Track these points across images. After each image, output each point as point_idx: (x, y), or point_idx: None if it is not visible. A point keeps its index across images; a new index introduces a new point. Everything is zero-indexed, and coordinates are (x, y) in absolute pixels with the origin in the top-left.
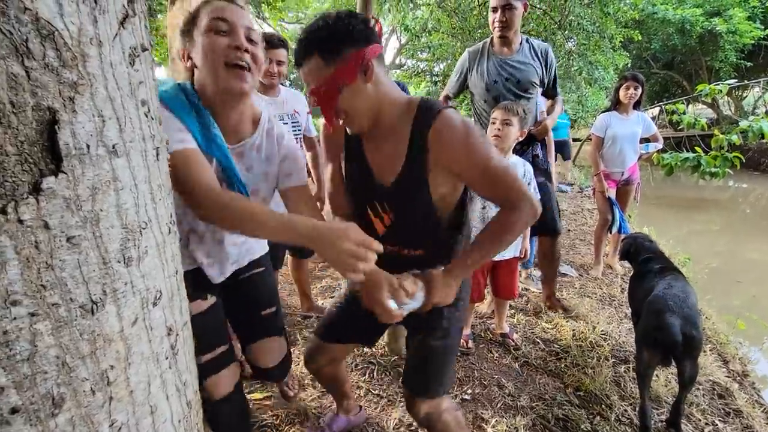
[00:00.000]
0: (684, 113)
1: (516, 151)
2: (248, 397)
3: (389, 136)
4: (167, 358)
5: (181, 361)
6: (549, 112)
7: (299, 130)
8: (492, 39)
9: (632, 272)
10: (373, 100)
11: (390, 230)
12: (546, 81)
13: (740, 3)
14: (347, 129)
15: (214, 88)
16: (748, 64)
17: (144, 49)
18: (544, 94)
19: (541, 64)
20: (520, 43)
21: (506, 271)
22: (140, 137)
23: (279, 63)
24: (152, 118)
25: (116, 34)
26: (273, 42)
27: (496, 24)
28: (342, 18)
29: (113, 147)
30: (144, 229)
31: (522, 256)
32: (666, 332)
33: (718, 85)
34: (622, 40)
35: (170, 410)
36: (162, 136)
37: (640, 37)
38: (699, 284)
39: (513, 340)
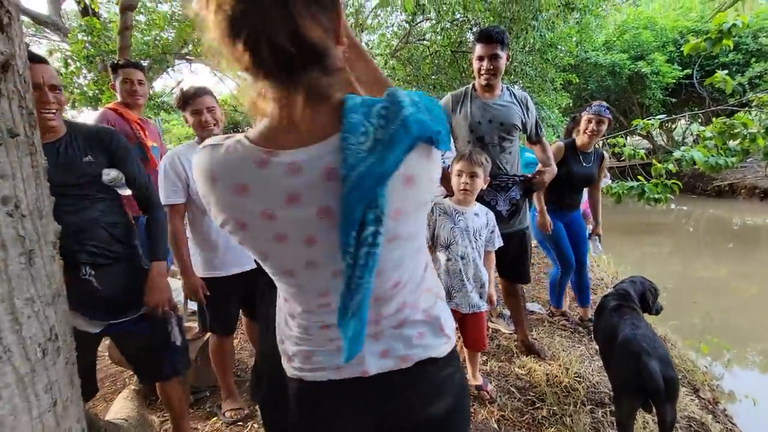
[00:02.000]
0: (624, 146)
1: (499, 189)
2: None
3: None
4: None
5: None
6: (542, 160)
7: None
8: (474, 84)
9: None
10: None
11: None
12: (528, 127)
13: (659, 48)
14: None
15: None
16: (673, 100)
17: (13, 135)
18: (528, 139)
19: (522, 109)
20: (501, 90)
21: (474, 324)
22: None
23: (209, 110)
24: (22, 216)
25: None
26: (198, 90)
27: (483, 72)
28: None
29: None
30: None
31: (489, 303)
32: (649, 379)
33: (649, 120)
34: (562, 82)
35: None
36: (42, 235)
37: (577, 80)
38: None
39: (488, 392)
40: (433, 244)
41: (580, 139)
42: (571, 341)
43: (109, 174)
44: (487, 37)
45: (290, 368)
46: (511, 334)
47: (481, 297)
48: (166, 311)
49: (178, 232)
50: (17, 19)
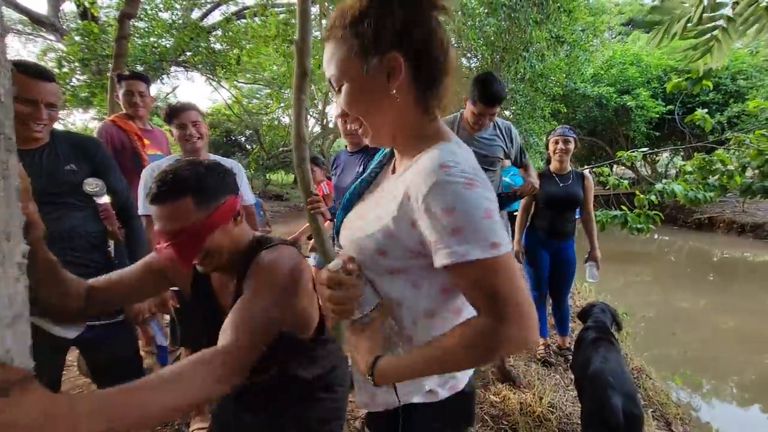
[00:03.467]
0: (609, 175)
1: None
2: None
3: (232, 271)
4: None
5: None
6: (525, 178)
7: None
8: (462, 114)
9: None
10: (235, 241)
11: None
12: (513, 154)
13: (644, 84)
14: (202, 268)
15: None
16: (657, 133)
17: None
18: (514, 164)
19: (505, 141)
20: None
21: None
22: None
23: (194, 124)
24: None
25: None
26: (184, 105)
27: (479, 124)
28: (216, 166)
29: None
30: None
31: None
32: (611, 413)
33: (633, 152)
34: (551, 111)
35: None
36: (7, 257)
37: (565, 109)
38: (637, 340)
39: None
40: None
41: (553, 163)
42: (546, 370)
43: (92, 184)
44: (493, 100)
45: (446, 390)
46: None
47: None
48: (147, 318)
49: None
50: (4, 52)
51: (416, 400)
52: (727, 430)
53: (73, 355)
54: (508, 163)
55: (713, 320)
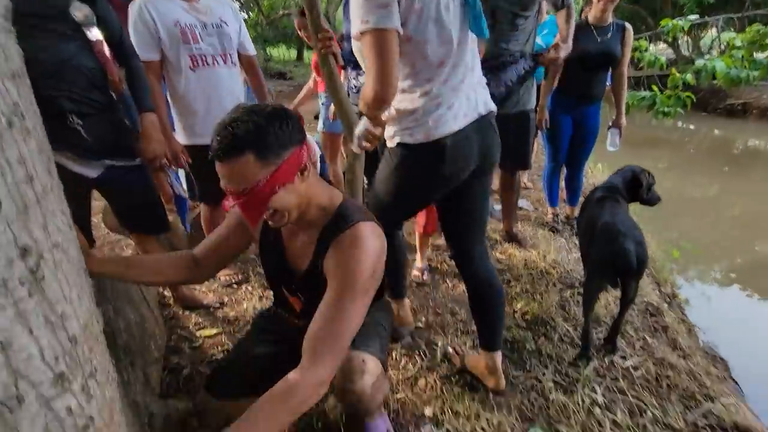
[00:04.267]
0: (646, 50)
1: (495, 69)
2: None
3: (305, 228)
4: (24, 284)
5: (51, 288)
6: (561, 30)
7: (229, 44)
8: None
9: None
10: (303, 197)
11: (306, 309)
12: None
13: None
14: (270, 223)
15: None
16: (711, 0)
17: None
18: (554, 5)
19: None
20: None
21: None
22: None
23: None
24: None
25: None
26: None
27: None
28: (279, 114)
29: None
30: None
31: None
32: (625, 257)
33: (680, 20)
34: None
35: (37, 345)
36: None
37: None
38: (644, 217)
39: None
40: None
41: (593, 12)
42: (553, 234)
43: (79, 8)
44: None
45: (420, 134)
46: (498, 222)
47: None
48: (164, 164)
49: (155, 92)
50: None
51: (402, 140)
52: (710, 295)
53: (97, 217)
54: (546, 16)
55: (720, 207)
